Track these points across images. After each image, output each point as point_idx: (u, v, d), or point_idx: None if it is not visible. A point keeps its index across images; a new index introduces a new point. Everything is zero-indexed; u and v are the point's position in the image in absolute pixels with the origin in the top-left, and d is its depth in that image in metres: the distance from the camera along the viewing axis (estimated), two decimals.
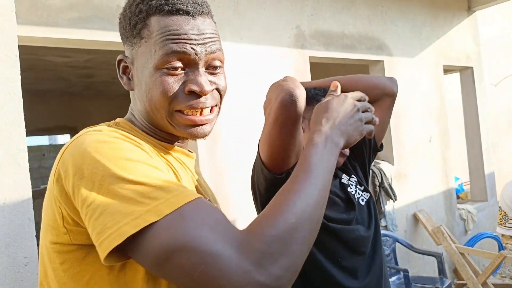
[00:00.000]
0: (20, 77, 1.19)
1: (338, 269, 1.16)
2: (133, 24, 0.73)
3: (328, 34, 3.45)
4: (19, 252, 1.15)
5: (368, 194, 1.31)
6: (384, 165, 3.71)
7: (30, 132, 7.03)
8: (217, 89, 0.75)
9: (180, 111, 0.72)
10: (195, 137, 0.75)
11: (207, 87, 0.71)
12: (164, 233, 0.54)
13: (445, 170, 4.39)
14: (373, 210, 1.28)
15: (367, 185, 1.37)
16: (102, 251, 0.54)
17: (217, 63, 0.75)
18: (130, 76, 0.77)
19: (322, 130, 0.73)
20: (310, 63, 3.34)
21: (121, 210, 0.55)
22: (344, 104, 0.78)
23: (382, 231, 3.53)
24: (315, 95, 1.30)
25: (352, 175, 1.33)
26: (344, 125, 0.75)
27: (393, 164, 3.85)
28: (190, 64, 0.71)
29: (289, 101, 0.95)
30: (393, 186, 3.70)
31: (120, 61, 0.78)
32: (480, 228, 4.61)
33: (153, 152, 0.70)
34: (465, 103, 4.94)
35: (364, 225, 1.23)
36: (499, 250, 4.11)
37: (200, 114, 0.73)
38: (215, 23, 0.77)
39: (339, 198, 1.24)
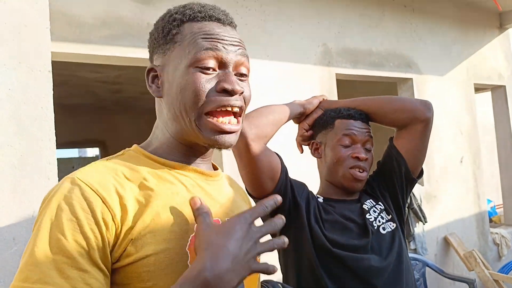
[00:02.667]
0: (52, 92, 1.21)
1: None
2: (167, 31, 0.75)
3: (355, 51, 3.42)
4: None
5: (394, 225, 1.22)
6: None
7: (60, 145, 7.21)
8: (243, 96, 0.76)
9: (209, 114, 0.72)
10: (221, 145, 0.73)
11: (238, 86, 0.72)
12: None
13: (477, 192, 4.22)
14: (398, 242, 1.18)
15: (400, 215, 1.28)
16: None
17: (244, 70, 0.77)
18: (159, 84, 0.77)
19: (186, 275, 0.58)
20: (337, 80, 3.31)
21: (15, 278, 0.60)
22: (230, 236, 0.60)
23: (411, 255, 3.40)
24: (330, 118, 1.26)
25: (380, 202, 1.26)
26: (221, 267, 0.57)
27: (422, 185, 3.73)
28: (221, 65, 0.73)
29: (242, 138, 1.07)
30: (422, 207, 3.58)
31: (149, 70, 0.79)
32: None
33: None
34: (497, 122, 4.79)
35: (380, 255, 1.14)
36: None
37: (229, 122, 0.73)
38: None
39: (354, 223, 1.18)
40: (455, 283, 3.69)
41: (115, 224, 0.63)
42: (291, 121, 1.32)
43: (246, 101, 0.77)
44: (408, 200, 3.45)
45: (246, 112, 1.20)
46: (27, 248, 0.62)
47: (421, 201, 3.57)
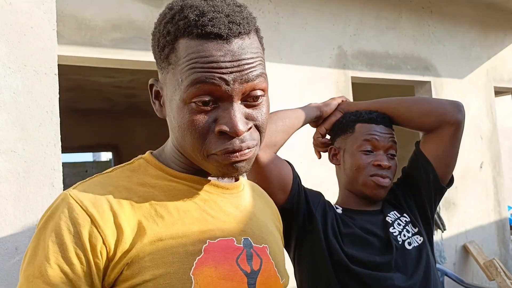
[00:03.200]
0: (58, 96, 1.17)
1: None
2: (161, 47, 0.64)
3: (371, 54, 3.35)
4: None
5: (422, 239, 1.12)
6: None
7: (73, 149, 7.31)
8: (255, 125, 0.63)
9: (215, 154, 0.62)
10: (229, 176, 0.66)
11: (241, 126, 0.60)
12: None
13: (497, 198, 4.09)
14: (425, 258, 1.08)
15: (428, 228, 1.18)
16: None
17: (259, 92, 0.62)
18: (162, 103, 0.69)
19: None
20: (353, 83, 3.23)
21: None
22: None
23: None
24: (350, 122, 1.17)
25: (405, 214, 1.16)
26: None
27: None
28: (222, 98, 0.60)
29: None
30: (441, 214, 3.47)
31: (152, 85, 0.70)
32: None
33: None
34: None
35: (405, 274, 1.05)
36: None
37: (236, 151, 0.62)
38: (261, 38, 0.67)
39: (376, 237, 1.08)
40: None
41: (105, 247, 0.58)
42: (308, 124, 1.24)
43: (261, 130, 0.64)
44: None
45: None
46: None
47: (440, 208, 3.46)
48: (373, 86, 4.25)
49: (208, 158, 0.63)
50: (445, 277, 3.30)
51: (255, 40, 0.64)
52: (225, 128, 0.60)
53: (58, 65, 1.19)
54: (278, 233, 0.81)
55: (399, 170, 1.23)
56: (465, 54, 4.03)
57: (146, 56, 2.25)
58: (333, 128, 1.22)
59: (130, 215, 0.60)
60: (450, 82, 3.83)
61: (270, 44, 2.83)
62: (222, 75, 0.59)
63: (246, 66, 0.60)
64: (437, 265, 3.30)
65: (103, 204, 0.60)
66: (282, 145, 1.13)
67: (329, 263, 1.03)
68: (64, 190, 1.20)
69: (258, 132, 0.64)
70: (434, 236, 3.62)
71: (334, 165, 1.23)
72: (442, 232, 3.45)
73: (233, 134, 0.60)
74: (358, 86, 3.50)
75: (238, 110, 0.60)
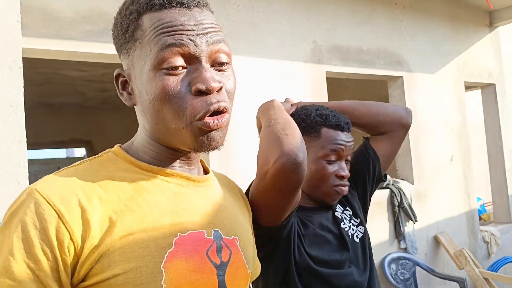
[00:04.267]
0: (23, 90, 1.13)
1: None
2: (125, 27, 0.65)
3: (345, 49, 3.38)
4: None
5: (363, 229, 1.18)
6: (403, 185, 3.57)
7: (45, 145, 7.12)
8: (225, 90, 0.65)
9: (197, 120, 0.63)
10: (207, 147, 0.65)
11: (214, 83, 0.62)
12: None
13: (467, 190, 4.22)
14: (368, 248, 1.15)
15: (365, 214, 1.25)
16: None
17: (223, 57, 0.65)
18: (130, 91, 0.69)
19: None
20: (327, 78, 3.26)
21: None
22: None
23: (403, 254, 3.38)
24: (315, 124, 1.13)
25: (347, 207, 1.20)
26: None
27: (412, 184, 3.71)
28: (191, 60, 0.63)
29: (291, 169, 0.80)
30: (413, 206, 3.56)
31: (117, 76, 0.70)
32: (504, 252, 4.41)
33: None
34: (487, 121, 4.80)
35: (359, 267, 1.09)
36: None
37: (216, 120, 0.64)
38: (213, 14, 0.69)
39: (332, 234, 1.10)
40: (445, 282, 3.67)
41: (73, 243, 0.57)
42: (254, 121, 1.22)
43: (229, 94, 0.66)
44: (399, 199, 3.42)
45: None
46: None
47: (411, 200, 3.55)
48: (347, 81, 4.29)
49: (190, 125, 0.63)
50: (417, 267, 3.39)
51: (212, 14, 0.68)
52: (200, 85, 0.62)
53: (26, 58, 1.15)
54: (248, 224, 0.81)
55: None
56: (436, 50, 4.12)
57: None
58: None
59: (99, 210, 0.59)
60: (422, 77, 3.91)
61: (246, 37, 2.82)
62: (189, 37, 0.62)
63: (210, 30, 0.64)
64: (409, 256, 3.38)
65: (70, 199, 0.59)
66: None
67: (293, 265, 1.03)
68: None
69: (226, 97, 0.66)
70: (406, 228, 3.69)
71: None
72: (414, 223, 3.53)
73: (208, 90, 0.62)
74: (333, 81, 3.53)
75: (208, 69, 0.63)
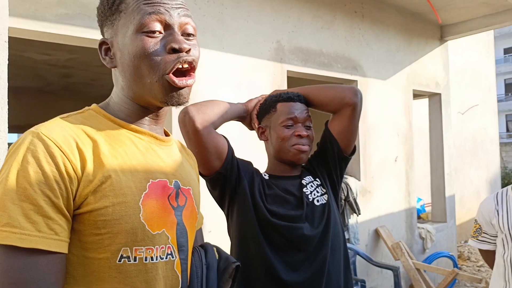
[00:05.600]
0: (7, 62, 1.23)
1: (280, 263, 1.25)
2: (111, 2, 0.81)
3: (306, 50, 3.60)
4: None
5: (327, 198, 1.37)
6: (350, 180, 3.86)
7: None
8: (192, 54, 0.80)
9: (169, 74, 0.77)
10: (176, 102, 0.80)
11: (185, 44, 0.78)
12: None
13: (408, 189, 4.59)
14: (327, 213, 1.34)
15: (334, 190, 1.43)
16: None
17: (191, 29, 0.81)
18: (111, 55, 0.83)
19: None
20: (288, 77, 3.47)
21: None
22: None
23: None
24: (271, 102, 1.40)
25: (317, 178, 1.41)
26: None
27: (359, 180, 4.01)
28: (166, 27, 0.79)
29: (182, 117, 1.25)
30: (358, 201, 3.85)
31: (101, 44, 0.84)
32: (437, 248, 4.82)
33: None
34: (432, 128, 5.19)
35: (311, 224, 1.30)
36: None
37: (184, 79, 0.78)
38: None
39: (293, 196, 1.33)
40: (382, 271, 4.02)
41: (77, 176, 0.71)
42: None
43: (195, 61, 0.81)
44: (346, 193, 3.70)
45: (197, 101, 1.31)
46: None
47: (357, 194, 3.84)
48: (306, 82, 4.53)
49: (161, 79, 0.77)
50: (357, 256, 3.68)
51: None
52: (174, 45, 0.77)
53: None
54: (197, 180, 1.00)
55: (315, 144, 1.49)
56: (390, 58, 4.44)
57: (88, 33, 2.30)
58: (259, 111, 1.44)
59: (90, 153, 0.73)
60: (375, 82, 4.21)
61: (213, 32, 2.97)
62: (165, 8, 0.78)
63: (180, 6, 0.81)
64: (351, 246, 3.68)
65: (70, 142, 0.72)
66: (218, 127, 1.32)
67: (254, 218, 1.27)
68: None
69: (193, 58, 0.81)
70: (350, 220, 3.98)
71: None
72: (357, 216, 3.83)
73: (180, 49, 0.77)
74: (293, 81, 3.75)
75: (180, 35, 0.80)
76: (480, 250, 2.20)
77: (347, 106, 1.38)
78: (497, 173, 8.16)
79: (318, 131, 1.40)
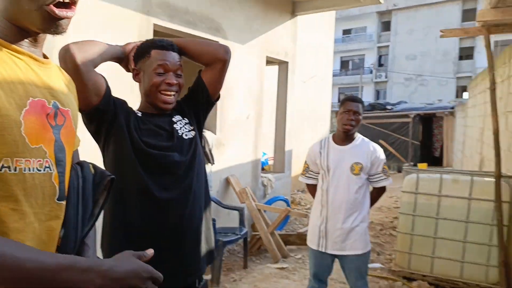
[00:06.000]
0: None
1: (153, 183, 1.47)
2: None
3: (173, 6, 3.72)
4: None
5: (194, 133, 1.63)
6: (207, 134, 4.26)
7: None
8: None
9: (47, 5, 0.80)
10: (54, 31, 0.84)
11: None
12: None
13: (255, 144, 5.22)
14: (194, 145, 1.60)
15: (199, 128, 1.69)
16: None
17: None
18: None
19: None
20: (155, 31, 3.55)
21: None
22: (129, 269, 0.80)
23: None
24: (146, 47, 1.55)
25: (186, 118, 1.65)
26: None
27: (215, 134, 4.43)
28: None
29: (62, 54, 1.35)
30: (213, 152, 4.27)
31: None
32: (276, 193, 5.65)
33: None
34: (279, 92, 5.89)
35: (181, 154, 1.55)
36: None
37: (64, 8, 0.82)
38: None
39: (165, 131, 1.56)
40: (230, 212, 4.60)
41: None
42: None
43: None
44: (203, 144, 4.08)
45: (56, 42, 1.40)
46: None
47: (212, 146, 4.26)
48: (172, 38, 4.65)
49: (41, 8, 0.81)
50: None
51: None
52: None
53: None
54: (76, 104, 1.04)
55: (186, 88, 1.70)
56: (249, 25, 4.86)
57: None
58: (135, 54, 1.59)
59: None
60: (234, 46, 4.59)
61: None
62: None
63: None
64: None
65: None
66: (97, 65, 1.45)
67: (130, 148, 1.48)
68: None
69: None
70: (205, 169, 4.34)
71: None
72: (212, 165, 4.28)
73: None
74: (160, 35, 3.86)
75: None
76: (307, 185, 2.84)
77: (219, 61, 1.62)
78: (327, 135, 9.65)
79: (189, 78, 1.64)
